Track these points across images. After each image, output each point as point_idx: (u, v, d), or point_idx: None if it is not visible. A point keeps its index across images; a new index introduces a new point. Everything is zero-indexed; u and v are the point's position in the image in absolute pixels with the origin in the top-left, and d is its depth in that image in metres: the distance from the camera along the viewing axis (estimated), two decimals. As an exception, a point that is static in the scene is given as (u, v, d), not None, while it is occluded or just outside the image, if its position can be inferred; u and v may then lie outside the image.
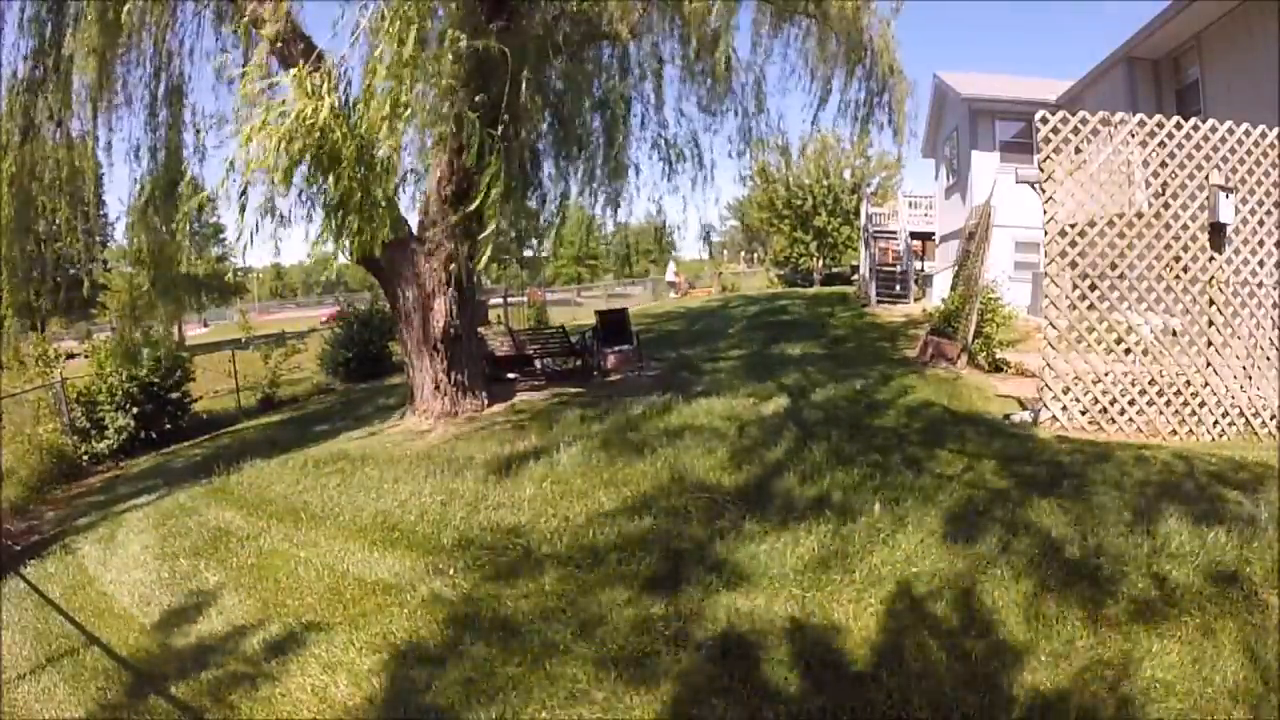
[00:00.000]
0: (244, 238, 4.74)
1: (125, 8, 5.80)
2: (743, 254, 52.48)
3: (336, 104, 4.58)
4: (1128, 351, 5.65)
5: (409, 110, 4.70)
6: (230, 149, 6.57)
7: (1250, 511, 3.64)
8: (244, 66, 5.37)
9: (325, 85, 4.57)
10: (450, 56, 4.54)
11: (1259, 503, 3.74)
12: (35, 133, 6.56)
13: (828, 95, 8.62)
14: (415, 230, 7.48)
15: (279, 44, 6.12)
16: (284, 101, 4.56)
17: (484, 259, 5.95)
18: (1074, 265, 5.60)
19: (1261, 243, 5.58)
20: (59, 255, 7.72)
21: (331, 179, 4.79)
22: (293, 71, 4.69)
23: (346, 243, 5.10)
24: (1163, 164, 5.55)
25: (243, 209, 4.73)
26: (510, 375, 9.85)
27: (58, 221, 7.27)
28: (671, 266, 32.14)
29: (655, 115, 8.59)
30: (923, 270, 21.21)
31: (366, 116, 4.61)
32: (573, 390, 8.67)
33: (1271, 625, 2.71)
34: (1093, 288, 5.61)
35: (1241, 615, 2.79)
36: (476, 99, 5.62)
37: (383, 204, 5.02)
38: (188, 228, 6.36)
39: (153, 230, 6.78)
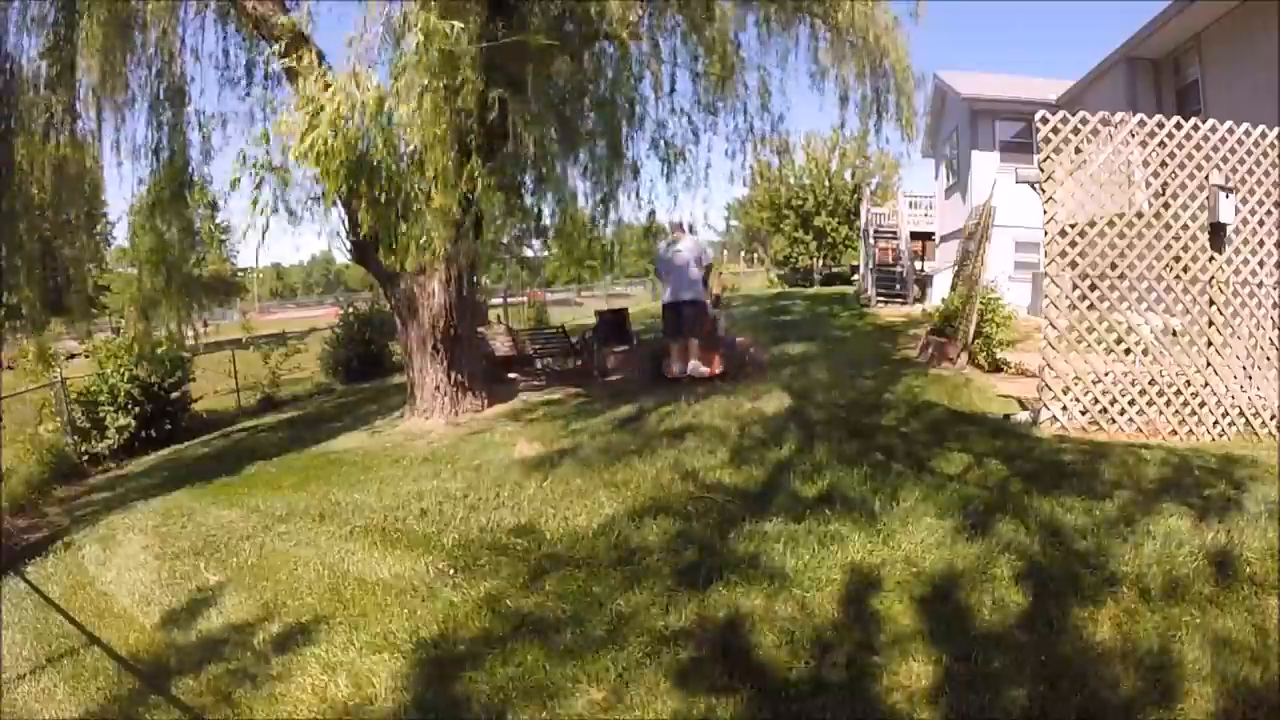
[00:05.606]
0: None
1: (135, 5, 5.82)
2: (743, 254, 52.46)
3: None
4: (1128, 351, 5.65)
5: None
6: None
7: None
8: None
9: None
10: (464, 60, 4.49)
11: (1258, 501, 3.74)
12: (42, 131, 6.56)
13: (847, 95, 8.58)
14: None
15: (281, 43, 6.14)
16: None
17: (484, 260, 5.95)
18: (1074, 265, 5.60)
19: (1261, 243, 5.57)
20: (61, 254, 7.72)
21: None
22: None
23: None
24: (1163, 164, 5.55)
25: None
26: (511, 375, 9.87)
27: (68, 219, 7.26)
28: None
29: (655, 115, 8.57)
30: (922, 270, 21.21)
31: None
32: (573, 390, 8.67)
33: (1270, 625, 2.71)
34: (1093, 288, 5.61)
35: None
36: (479, 99, 5.62)
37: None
38: (195, 227, 6.35)
39: (157, 231, 6.78)
